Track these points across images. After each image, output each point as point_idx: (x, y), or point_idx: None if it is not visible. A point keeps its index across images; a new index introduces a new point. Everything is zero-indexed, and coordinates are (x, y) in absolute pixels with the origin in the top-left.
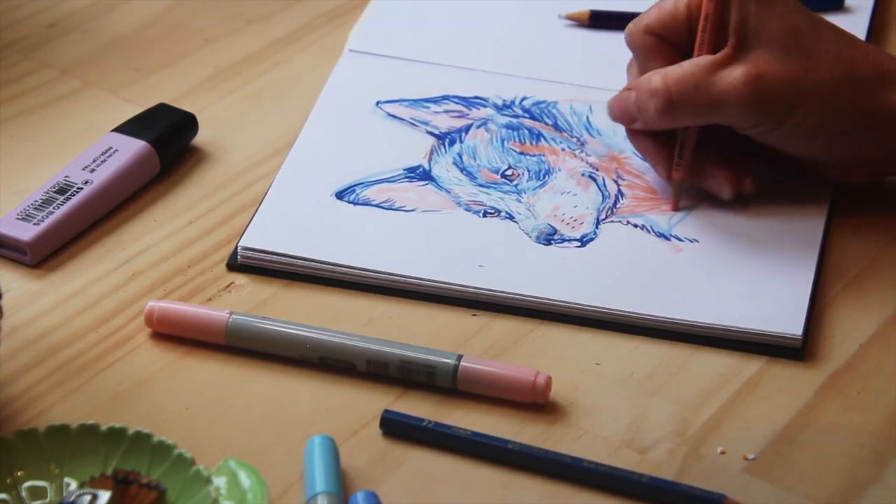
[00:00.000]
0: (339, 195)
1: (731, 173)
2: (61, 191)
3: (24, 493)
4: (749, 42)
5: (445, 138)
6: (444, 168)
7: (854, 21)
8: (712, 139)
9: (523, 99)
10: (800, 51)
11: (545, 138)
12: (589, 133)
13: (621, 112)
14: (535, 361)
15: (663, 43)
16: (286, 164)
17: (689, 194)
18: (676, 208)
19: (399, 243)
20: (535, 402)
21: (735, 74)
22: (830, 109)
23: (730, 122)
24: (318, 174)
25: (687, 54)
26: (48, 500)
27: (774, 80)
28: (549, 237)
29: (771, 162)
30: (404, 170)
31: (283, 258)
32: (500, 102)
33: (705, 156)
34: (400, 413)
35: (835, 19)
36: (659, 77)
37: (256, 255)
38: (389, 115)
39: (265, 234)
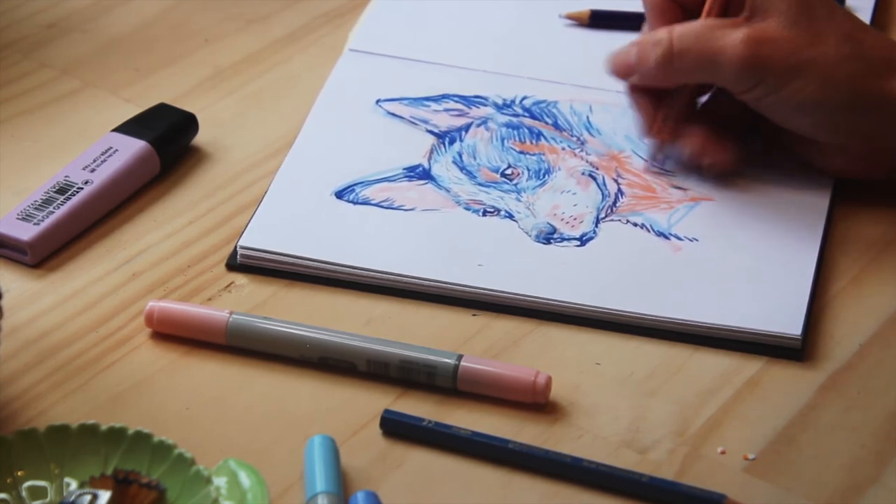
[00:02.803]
0: (339, 194)
1: (701, 139)
2: (61, 191)
3: (24, 493)
4: (760, 14)
5: (445, 137)
6: (443, 167)
7: None
8: (710, 114)
9: (523, 98)
10: (809, 24)
11: (545, 137)
12: (589, 132)
13: (621, 64)
14: (535, 361)
15: (675, 4)
16: (286, 163)
17: (690, 192)
18: (656, 158)
19: (399, 242)
20: (535, 402)
21: (738, 34)
22: (831, 83)
23: (726, 81)
24: (318, 174)
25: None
26: (48, 500)
27: (776, 44)
28: (548, 236)
29: (771, 144)
30: (404, 169)
31: (283, 258)
32: (500, 101)
33: (693, 122)
34: (400, 413)
35: None
36: (664, 30)
37: (256, 254)
38: (389, 113)
39: (264, 234)
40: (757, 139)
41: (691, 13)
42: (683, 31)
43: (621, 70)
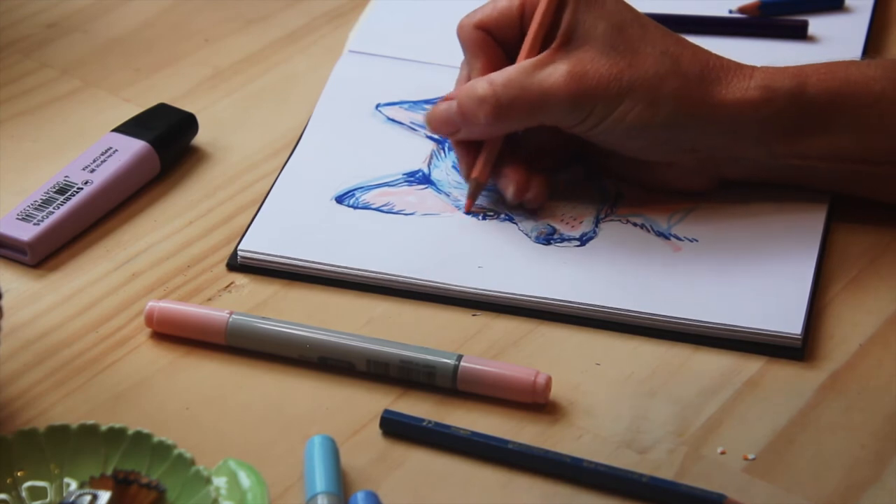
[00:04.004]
0: (339, 199)
1: (522, 177)
2: (61, 191)
3: (24, 493)
4: (575, 42)
5: (445, 143)
6: (443, 172)
7: (854, 21)
8: (533, 147)
9: None
10: (625, 46)
11: None
12: None
13: (443, 123)
14: (535, 361)
15: (491, 40)
16: (286, 169)
17: (689, 195)
18: (470, 210)
19: (399, 246)
20: (535, 402)
21: (559, 72)
22: (654, 102)
23: (557, 121)
24: (318, 178)
25: (514, 55)
26: (48, 500)
27: (598, 73)
28: (548, 237)
29: (594, 170)
30: (404, 174)
31: (283, 259)
32: None
33: (509, 158)
34: (400, 413)
35: (835, 19)
36: (484, 83)
37: (256, 255)
38: (389, 118)
39: (264, 240)
40: (578, 166)
41: (508, 48)
42: (505, 80)
43: (445, 129)
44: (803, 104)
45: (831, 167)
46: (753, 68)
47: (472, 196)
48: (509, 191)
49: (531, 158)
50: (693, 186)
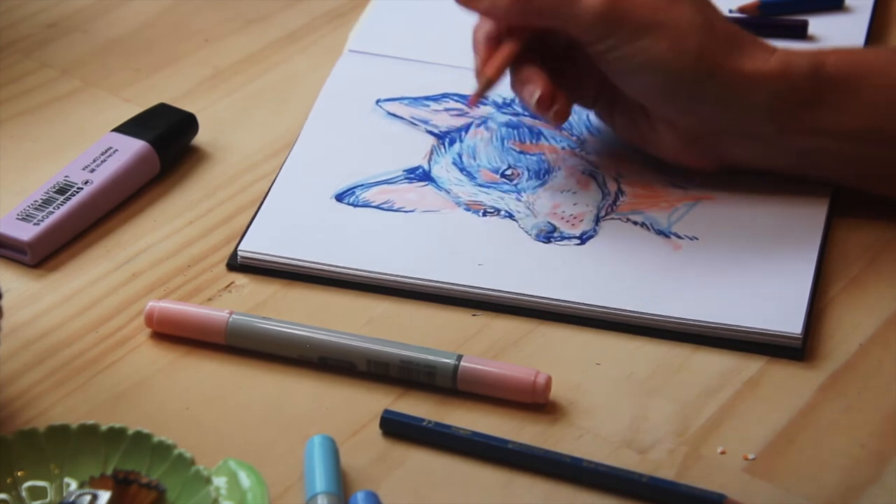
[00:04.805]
0: (339, 197)
1: (547, 87)
2: (61, 191)
3: (24, 493)
4: None
5: (445, 138)
6: (443, 168)
7: (854, 21)
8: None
9: None
10: None
11: (545, 137)
12: (589, 131)
13: None
14: (535, 361)
15: None
16: (285, 167)
17: (690, 191)
18: (473, 104)
19: (399, 244)
20: (535, 402)
21: None
22: (679, 47)
23: (578, 31)
24: (318, 177)
25: None
26: (48, 500)
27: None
28: (548, 235)
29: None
30: (404, 171)
31: (283, 259)
32: (500, 100)
33: (533, 66)
34: (400, 413)
35: (835, 19)
36: None
37: (256, 255)
38: (389, 113)
39: (264, 239)
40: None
41: None
42: None
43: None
44: (820, 80)
45: (841, 148)
46: (775, 47)
47: (479, 93)
48: (533, 98)
49: (557, 71)
50: (693, 162)
